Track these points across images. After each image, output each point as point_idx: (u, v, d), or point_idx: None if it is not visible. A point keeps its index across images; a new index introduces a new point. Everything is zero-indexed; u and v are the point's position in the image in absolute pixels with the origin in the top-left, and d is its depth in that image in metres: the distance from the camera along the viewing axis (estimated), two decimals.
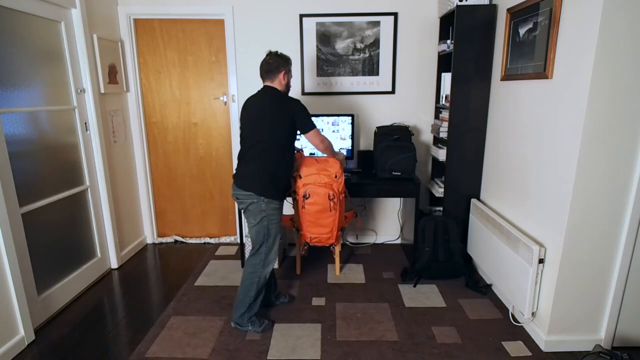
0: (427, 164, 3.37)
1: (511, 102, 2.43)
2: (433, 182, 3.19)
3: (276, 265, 3.02)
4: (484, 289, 2.67)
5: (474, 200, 2.83)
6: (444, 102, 2.98)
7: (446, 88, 2.91)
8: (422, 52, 3.16)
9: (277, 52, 2.21)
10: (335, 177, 2.42)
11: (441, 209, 3.01)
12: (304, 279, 2.87)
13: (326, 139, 2.34)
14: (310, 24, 3.13)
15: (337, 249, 2.87)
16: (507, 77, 2.45)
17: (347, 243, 3.51)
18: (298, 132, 2.23)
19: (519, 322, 2.31)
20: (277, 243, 2.23)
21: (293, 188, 2.50)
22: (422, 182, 3.35)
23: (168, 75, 3.32)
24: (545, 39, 2.03)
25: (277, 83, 2.19)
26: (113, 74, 3.01)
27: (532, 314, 2.17)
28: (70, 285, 2.62)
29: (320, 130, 3.08)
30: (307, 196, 2.40)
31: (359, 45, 3.16)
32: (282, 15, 3.13)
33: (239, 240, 3.57)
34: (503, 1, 2.51)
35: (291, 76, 2.28)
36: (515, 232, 2.24)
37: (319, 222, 2.48)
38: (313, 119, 3.08)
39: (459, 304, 2.53)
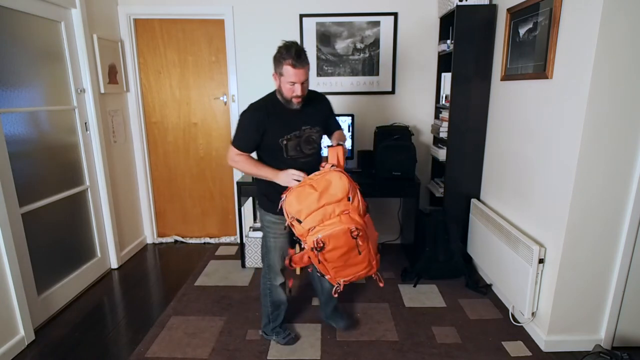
0: (427, 164, 3.37)
1: (511, 102, 2.43)
2: (433, 182, 3.19)
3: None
4: (484, 289, 2.67)
5: (474, 200, 2.83)
6: (444, 102, 2.98)
7: (446, 88, 2.91)
8: (422, 52, 3.16)
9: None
10: (349, 199, 1.63)
11: (441, 209, 3.00)
12: (304, 278, 2.87)
13: (240, 163, 1.84)
14: (310, 24, 3.13)
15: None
16: (507, 77, 2.45)
17: None
18: (282, 140, 1.83)
19: (519, 322, 2.31)
20: (276, 257, 2.03)
21: (295, 236, 1.78)
22: (422, 182, 3.35)
23: (168, 75, 3.31)
24: (545, 39, 2.03)
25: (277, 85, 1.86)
26: (113, 74, 3.01)
27: (532, 314, 2.17)
28: (70, 285, 2.62)
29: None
30: (321, 247, 1.62)
31: (359, 45, 3.16)
32: (282, 15, 3.12)
33: (239, 240, 3.57)
34: (503, 1, 2.51)
35: (288, 81, 1.74)
36: (515, 232, 2.24)
37: (350, 262, 1.73)
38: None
39: (459, 304, 2.53)
